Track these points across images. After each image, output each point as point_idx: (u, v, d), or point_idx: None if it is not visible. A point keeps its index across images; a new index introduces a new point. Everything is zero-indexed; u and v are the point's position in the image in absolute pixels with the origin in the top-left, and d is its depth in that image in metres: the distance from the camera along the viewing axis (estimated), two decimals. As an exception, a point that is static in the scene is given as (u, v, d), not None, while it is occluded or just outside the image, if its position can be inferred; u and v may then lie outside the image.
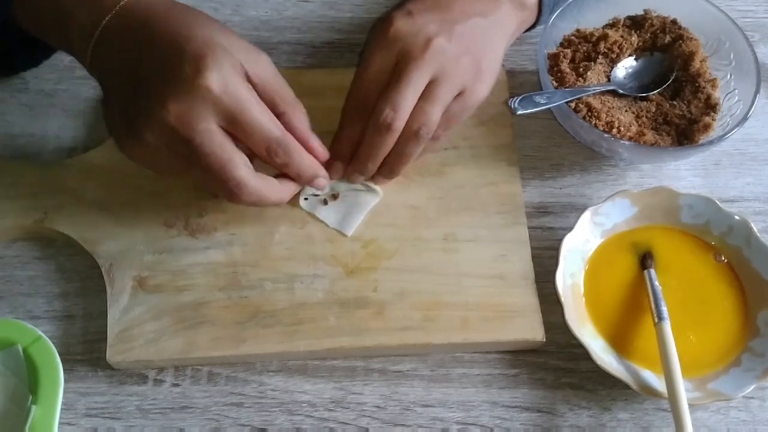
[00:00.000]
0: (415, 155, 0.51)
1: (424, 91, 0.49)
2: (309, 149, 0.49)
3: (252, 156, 0.47)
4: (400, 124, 0.48)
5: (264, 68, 0.47)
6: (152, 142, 0.44)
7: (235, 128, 0.45)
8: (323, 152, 0.50)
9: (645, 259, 0.54)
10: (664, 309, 0.50)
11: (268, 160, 0.47)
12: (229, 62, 0.44)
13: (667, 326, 0.50)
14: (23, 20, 0.50)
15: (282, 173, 0.49)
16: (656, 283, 0.52)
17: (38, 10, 0.49)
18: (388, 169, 0.53)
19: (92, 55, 0.47)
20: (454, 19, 0.50)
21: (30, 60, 0.60)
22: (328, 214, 0.54)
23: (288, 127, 0.47)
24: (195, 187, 0.54)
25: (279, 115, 0.47)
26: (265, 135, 0.46)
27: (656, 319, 0.50)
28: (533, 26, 0.59)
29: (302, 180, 0.50)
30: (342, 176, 0.53)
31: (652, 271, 0.53)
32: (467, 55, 0.50)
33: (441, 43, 0.48)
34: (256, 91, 0.46)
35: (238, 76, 0.45)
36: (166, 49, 0.44)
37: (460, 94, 0.50)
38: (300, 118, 0.48)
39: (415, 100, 0.49)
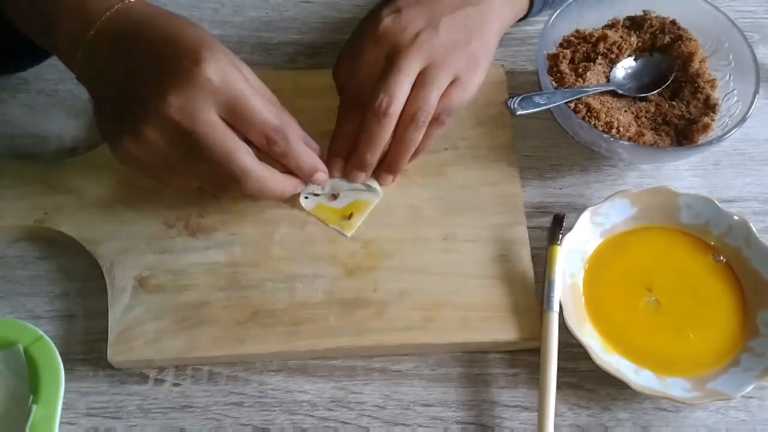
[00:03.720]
0: (415, 144, 0.52)
1: (417, 78, 0.50)
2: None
3: (252, 148, 0.47)
4: (396, 109, 0.49)
5: (251, 73, 0.47)
6: (152, 138, 0.45)
7: (235, 118, 0.45)
8: (318, 149, 0.51)
9: (554, 230, 0.54)
10: (554, 298, 0.51)
11: (268, 149, 0.47)
12: (225, 54, 0.45)
13: (554, 317, 0.50)
14: (16, 23, 0.50)
15: (283, 168, 0.49)
16: (557, 268, 0.52)
17: (25, 14, 0.49)
18: (388, 163, 0.53)
19: (81, 61, 0.47)
20: (441, 12, 0.51)
21: (32, 59, 0.60)
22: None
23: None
24: (192, 190, 0.53)
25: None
26: (264, 123, 0.46)
27: (544, 306, 0.51)
28: (526, 16, 0.59)
29: (302, 172, 0.50)
30: (342, 173, 0.53)
31: (558, 248, 0.53)
32: (457, 43, 0.51)
33: (428, 34, 0.50)
34: None
35: (234, 67, 0.45)
36: (162, 46, 0.45)
37: (454, 81, 0.51)
38: (291, 120, 0.49)
39: (409, 87, 0.50)
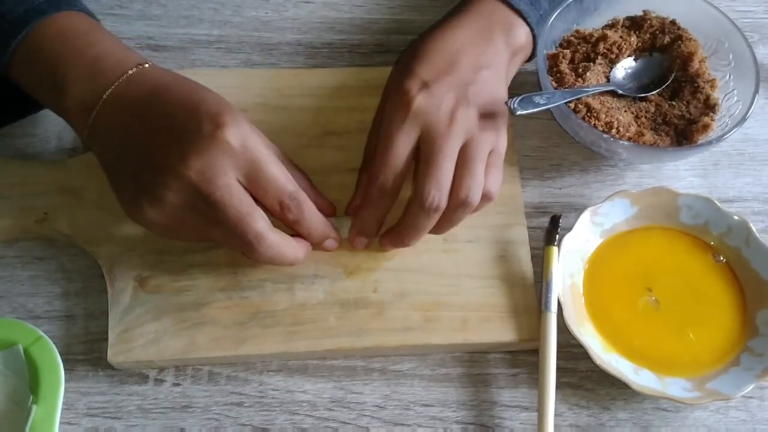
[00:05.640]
0: (462, 220, 0.50)
1: (458, 159, 0.48)
2: (319, 206, 0.49)
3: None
4: (446, 202, 0.48)
5: (264, 137, 0.47)
6: (173, 202, 0.44)
7: (253, 183, 0.45)
8: (332, 208, 0.52)
9: (551, 231, 0.54)
10: (552, 298, 0.50)
11: (281, 216, 0.47)
12: (245, 119, 0.45)
13: (552, 318, 0.50)
14: (17, 77, 0.49)
15: (294, 233, 0.49)
16: (554, 268, 0.52)
17: (34, 73, 0.49)
18: (432, 232, 0.51)
19: (93, 126, 0.47)
20: (466, 81, 0.49)
21: (19, 113, 0.60)
22: None
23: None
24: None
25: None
26: (280, 189, 0.46)
27: (542, 307, 0.51)
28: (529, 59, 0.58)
29: (313, 239, 0.50)
30: (363, 247, 0.53)
31: (555, 248, 0.53)
32: (486, 115, 0.50)
33: (464, 110, 0.48)
34: None
35: (254, 133, 0.45)
36: (181, 111, 0.45)
37: (490, 153, 0.50)
38: (304, 179, 0.50)
39: (452, 172, 0.48)
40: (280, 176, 0.46)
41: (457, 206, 0.48)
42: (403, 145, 0.48)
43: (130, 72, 0.47)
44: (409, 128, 0.48)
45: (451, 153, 0.48)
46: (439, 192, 0.47)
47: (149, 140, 0.45)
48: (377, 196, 0.49)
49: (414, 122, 0.48)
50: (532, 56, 0.57)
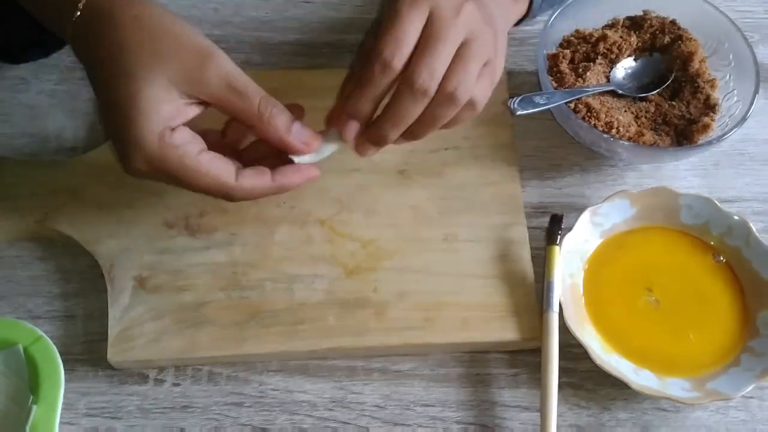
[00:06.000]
0: (443, 122, 0.47)
1: (456, 54, 0.46)
2: (289, 149, 0.47)
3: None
4: (435, 89, 0.45)
5: (216, 77, 0.44)
6: (141, 169, 0.44)
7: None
8: (306, 146, 0.47)
9: (552, 231, 0.53)
10: (554, 298, 0.50)
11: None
12: (153, 121, 0.43)
13: (554, 318, 0.50)
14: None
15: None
16: (556, 268, 0.51)
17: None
18: (412, 134, 0.48)
19: (73, 46, 0.46)
20: None
21: (41, 51, 0.60)
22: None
23: (265, 129, 0.45)
24: None
25: (253, 122, 0.45)
26: (213, 189, 0.45)
27: (544, 306, 0.50)
28: (523, 19, 0.58)
29: (290, 143, 0.47)
30: (353, 137, 0.48)
31: (557, 248, 0.52)
32: (490, 26, 0.48)
33: (472, 7, 0.46)
34: (214, 104, 0.45)
35: (160, 141, 0.43)
36: (108, 82, 0.44)
37: (486, 63, 0.47)
38: (276, 114, 0.45)
39: (448, 63, 0.46)
40: (207, 180, 0.45)
41: (442, 99, 0.46)
42: (410, 21, 0.45)
43: None
44: (415, 8, 0.45)
45: (451, 42, 0.45)
46: (430, 77, 0.45)
47: (102, 88, 0.44)
48: (378, 71, 0.45)
49: (422, 4, 0.45)
50: (527, 15, 0.58)
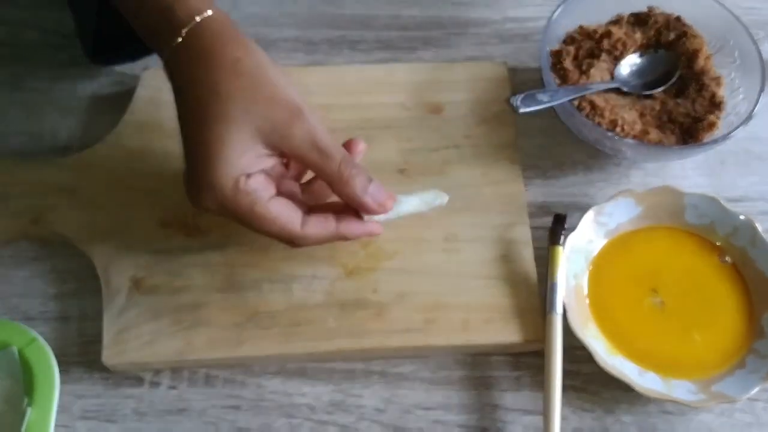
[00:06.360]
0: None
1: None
2: (364, 209, 0.47)
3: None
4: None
5: (302, 134, 0.44)
6: (210, 208, 0.45)
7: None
8: (380, 207, 0.48)
9: (555, 231, 0.53)
10: (557, 299, 0.50)
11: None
12: (233, 167, 0.43)
13: (558, 319, 0.49)
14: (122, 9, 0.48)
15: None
16: (559, 268, 0.51)
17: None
18: None
19: (166, 66, 0.46)
20: None
21: (130, 54, 0.60)
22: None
23: (343, 189, 0.46)
24: None
25: (332, 180, 0.46)
26: (279, 236, 0.46)
27: (547, 308, 0.50)
28: None
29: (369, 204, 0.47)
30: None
31: (560, 248, 0.52)
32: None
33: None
34: (294, 158, 0.46)
35: (235, 187, 0.44)
36: (196, 117, 0.44)
37: None
38: (355, 176, 0.46)
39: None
40: (275, 227, 0.45)
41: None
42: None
43: (197, 19, 0.44)
44: None
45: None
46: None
47: (189, 119, 0.45)
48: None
49: None
50: None
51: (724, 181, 0.59)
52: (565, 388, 0.49)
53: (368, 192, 0.47)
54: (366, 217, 0.48)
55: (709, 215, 0.54)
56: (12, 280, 0.53)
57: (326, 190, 0.48)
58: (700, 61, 0.59)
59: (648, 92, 0.59)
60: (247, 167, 0.44)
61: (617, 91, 0.59)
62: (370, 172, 0.56)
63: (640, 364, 0.50)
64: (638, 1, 0.62)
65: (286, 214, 0.45)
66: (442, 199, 0.50)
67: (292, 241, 0.46)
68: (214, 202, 0.44)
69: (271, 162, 0.45)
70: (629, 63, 0.60)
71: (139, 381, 0.50)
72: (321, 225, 0.47)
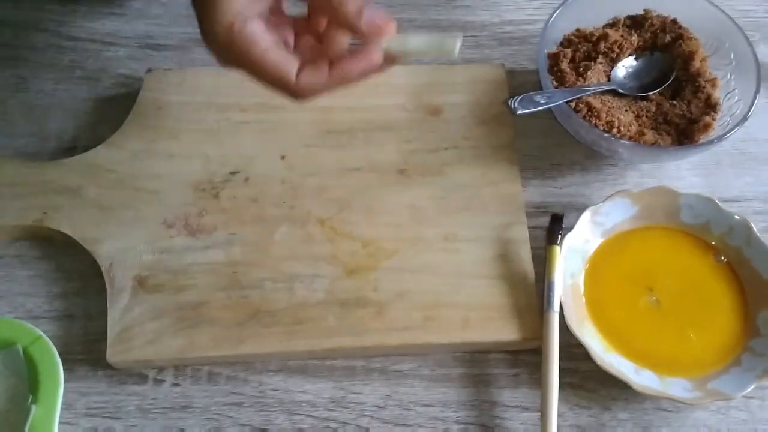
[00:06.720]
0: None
1: None
2: (359, 30, 0.44)
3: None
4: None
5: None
6: (216, 53, 0.45)
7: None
8: (374, 28, 0.44)
9: (553, 230, 0.53)
10: (554, 297, 0.50)
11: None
12: (224, 15, 0.43)
13: (555, 317, 0.50)
14: None
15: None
16: (556, 267, 0.51)
17: None
18: None
19: None
20: None
21: None
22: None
23: (338, 10, 0.44)
24: None
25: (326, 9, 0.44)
26: (275, 85, 0.45)
27: (545, 306, 0.50)
28: None
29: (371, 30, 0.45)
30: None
31: (557, 248, 0.52)
32: None
33: None
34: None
35: (229, 31, 0.43)
36: None
37: None
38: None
39: None
40: (274, 68, 0.44)
41: None
42: None
43: None
44: None
45: None
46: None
47: None
48: None
49: None
50: None
51: (720, 182, 0.59)
52: (563, 385, 0.50)
53: (364, 11, 0.44)
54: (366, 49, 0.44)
55: (705, 215, 0.55)
56: (17, 279, 0.54)
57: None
58: (696, 63, 0.60)
59: (644, 94, 0.59)
60: (243, 9, 0.43)
61: (614, 93, 0.59)
62: (370, 171, 0.57)
63: (636, 362, 0.50)
64: (634, 4, 0.62)
65: (281, 61, 0.44)
66: (453, 42, 0.44)
67: (289, 89, 0.45)
68: (218, 51, 0.44)
69: (265, 2, 0.44)
70: (625, 65, 0.61)
71: (142, 378, 0.50)
72: (317, 71, 0.45)
